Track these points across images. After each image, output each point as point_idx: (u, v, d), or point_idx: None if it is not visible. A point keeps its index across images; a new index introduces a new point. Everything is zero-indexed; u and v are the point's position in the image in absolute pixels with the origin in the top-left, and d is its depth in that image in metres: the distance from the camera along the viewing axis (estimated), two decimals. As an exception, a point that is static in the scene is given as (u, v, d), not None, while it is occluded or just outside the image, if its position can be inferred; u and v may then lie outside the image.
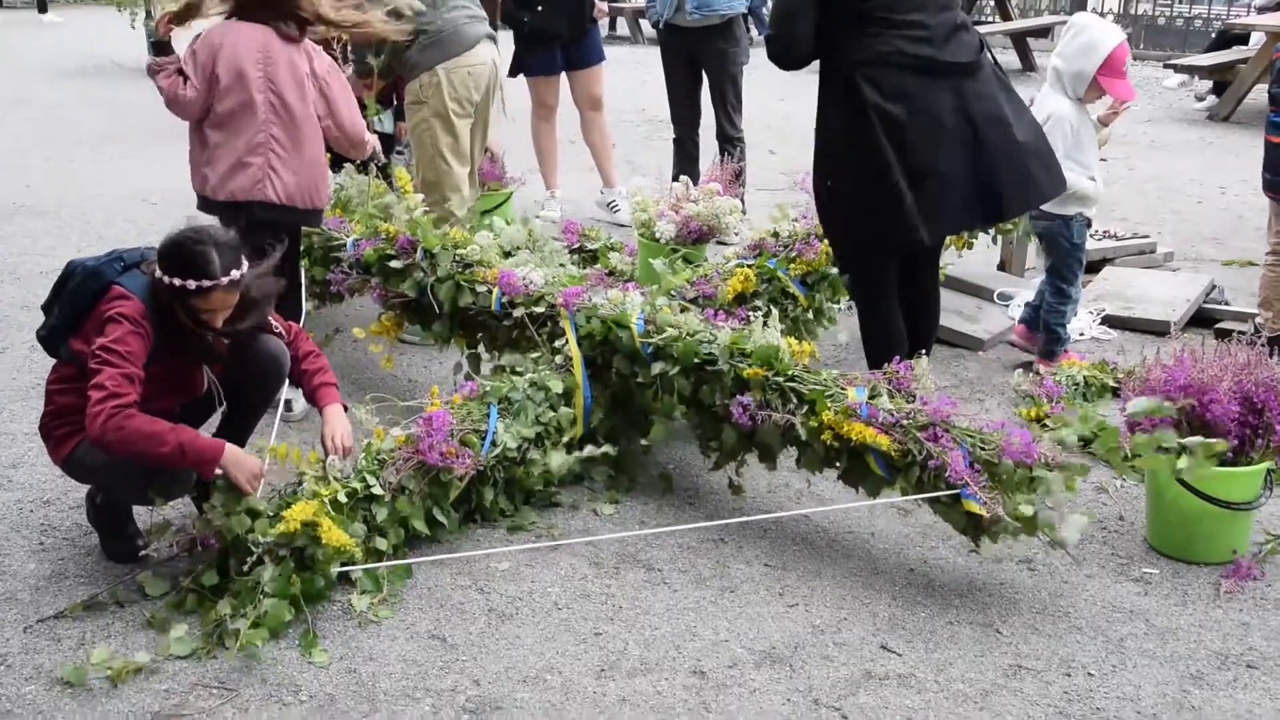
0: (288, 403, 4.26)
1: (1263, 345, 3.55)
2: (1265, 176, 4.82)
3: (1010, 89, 3.90)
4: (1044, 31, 13.69)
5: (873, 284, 4.02)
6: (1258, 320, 4.98)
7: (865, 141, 3.70)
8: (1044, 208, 4.40)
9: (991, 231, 5.15)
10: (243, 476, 3.19)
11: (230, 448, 3.20)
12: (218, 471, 3.17)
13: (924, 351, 3.77)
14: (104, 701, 2.81)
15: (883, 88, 3.65)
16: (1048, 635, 3.11)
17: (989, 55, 3.86)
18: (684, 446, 4.04)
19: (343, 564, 3.20)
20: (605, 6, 6.82)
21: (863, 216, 3.85)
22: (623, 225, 6.71)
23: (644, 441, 3.86)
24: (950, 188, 3.74)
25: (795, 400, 3.45)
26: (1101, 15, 14.34)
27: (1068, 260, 4.68)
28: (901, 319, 4.02)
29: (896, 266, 4.01)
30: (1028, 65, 12.30)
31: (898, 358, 3.58)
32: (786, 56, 3.88)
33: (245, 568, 3.15)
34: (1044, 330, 4.72)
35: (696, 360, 3.62)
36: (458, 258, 4.27)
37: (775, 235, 4.67)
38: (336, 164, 5.05)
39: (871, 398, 3.38)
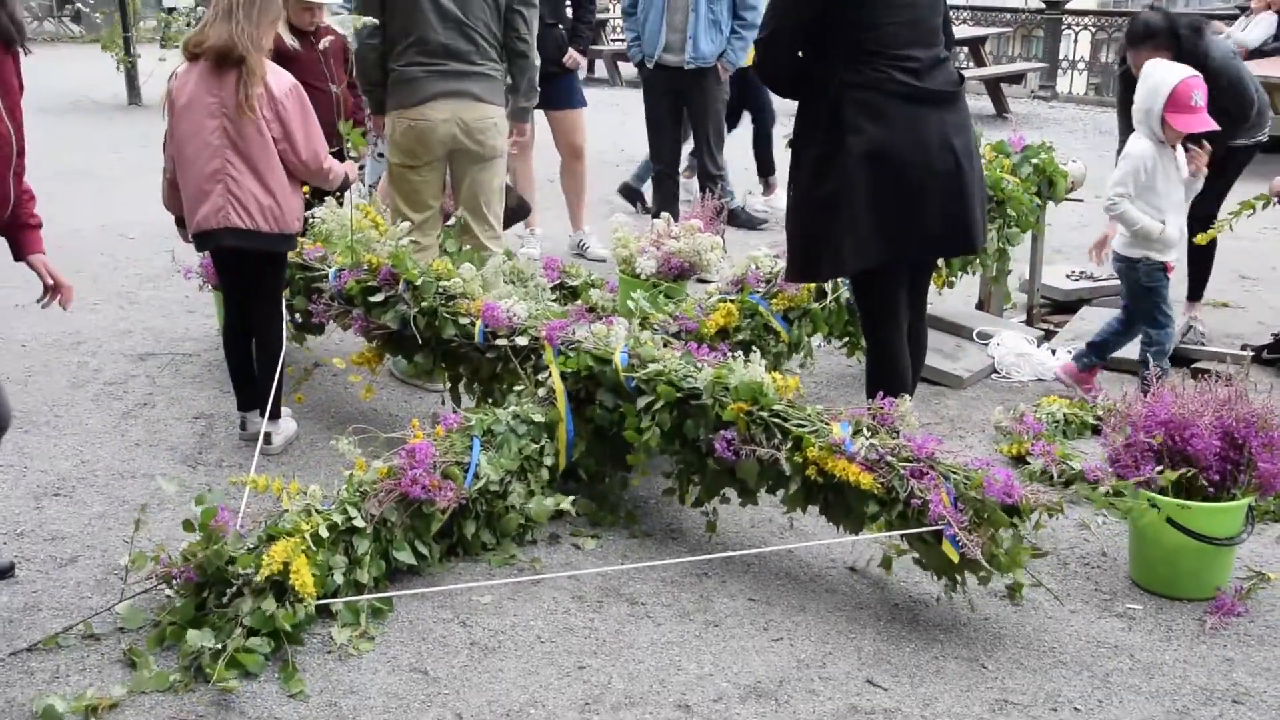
0: (267, 435, 4.23)
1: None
2: None
3: (971, 124, 3.96)
4: (1017, 78, 13.88)
5: (881, 306, 3.94)
6: None
7: (835, 164, 3.73)
8: (1115, 249, 4.58)
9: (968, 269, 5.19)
10: None
11: None
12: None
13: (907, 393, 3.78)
14: (78, 736, 2.76)
15: (870, 112, 3.69)
16: (1033, 670, 3.10)
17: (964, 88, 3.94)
18: (667, 481, 4.02)
19: (322, 597, 3.17)
20: (577, 56, 6.84)
21: (810, 232, 3.85)
22: (598, 260, 6.74)
23: (627, 476, 3.85)
24: (925, 211, 3.75)
25: (780, 435, 3.45)
26: (1072, 63, 14.68)
27: (1143, 304, 4.74)
28: (906, 349, 3.97)
29: (902, 296, 3.95)
30: (1001, 110, 12.45)
31: (883, 394, 3.57)
32: (763, 73, 4.00)
33: (224, 600, 3.11)
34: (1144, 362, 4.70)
35: (680, 394, 3.62)
36: (440, 289, 4.26)
37: (757, 267, 4.68)
38: (318, 195, 5.06)
39: (855, 434, 3.39)
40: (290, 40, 5.30)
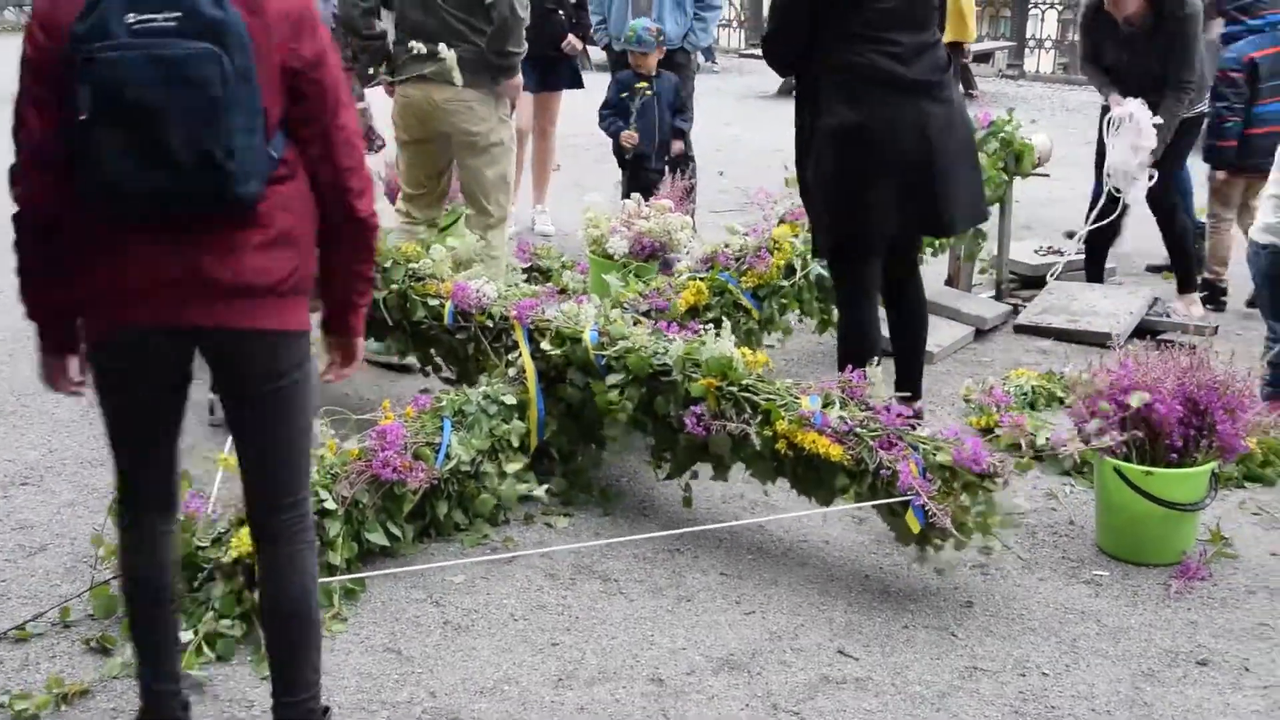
0: (210, 405, 4.17)
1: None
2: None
3: (964, 111, 4.04)
4: (985, 57, 13.92)
5: (852, 282, 4.04)
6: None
7: (824, 144, 3.84)
8: (1252, 236, 4.32)
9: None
10: None
11: None
12: None
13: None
14: (50, 721, 2.76)
15: (847, 95, 3.77)
16: (1002, 637, 3.13)
17: (954, 74, 4.02)
18: (638, 458, 4.03)
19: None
20: (576, 42, 6.88)
21: (829, 209, 3.94)
22: (544, 236, 6.82)
23: (602, 453, 3.86)
24: (894, 196, 3.82)
25: (750, 410, 3.47)
26: (1039, 43, 14.74)
27: (1263, 293, 4.44)
28: (878, 324, 4.09)
29: (879, 272, 4.04)
30: (969, 88, 12.48)
31: (853, 366, 3.61)
32: (770, 64, 4.11)
33: (195, 584, 3.11)
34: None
35: (650, 371, 3.63)
36: (410, 271, 4.25)
37: (727, 246, 4.70)
38: None
39: (825, 406, 3.41)
40: None
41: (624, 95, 6.13)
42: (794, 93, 4.02)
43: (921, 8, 3.86)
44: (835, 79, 3.78)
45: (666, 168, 5.95)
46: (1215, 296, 5.82)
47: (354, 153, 2.33)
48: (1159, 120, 5.30)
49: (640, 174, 6.60)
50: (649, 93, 6.08)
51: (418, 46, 4.81)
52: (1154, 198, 5.52)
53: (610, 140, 6.31)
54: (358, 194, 2.34)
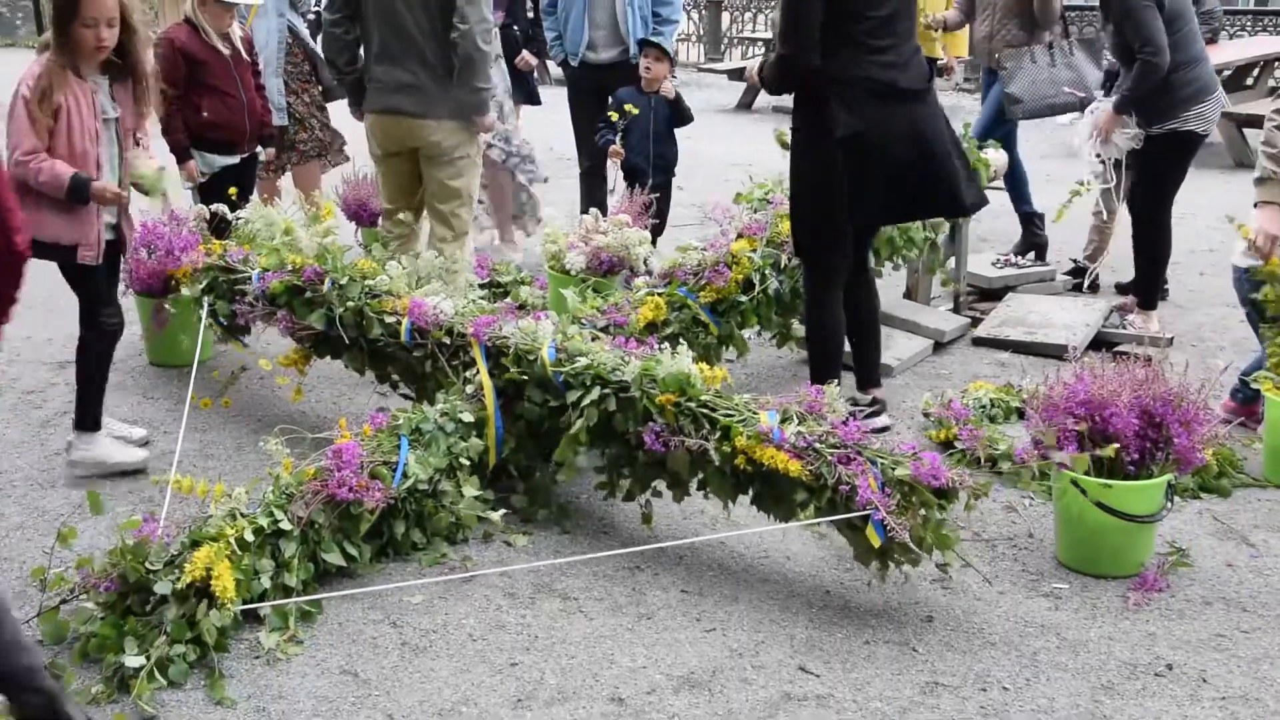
0: (69, 444, 4.18)
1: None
2: None
3: (944, 112, 4.36)
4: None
5: (825, 275, 4.34)
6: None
7: (819, 148, 4.14)
8: (1234, 261, 4.34)
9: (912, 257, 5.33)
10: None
11: None
12: None
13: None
14: (-4, 751, 2.69)
15: (850, 107, 4.05)
16: (962, 652, 3.13)
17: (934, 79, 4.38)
18: (597, 476, 4.01)
19: (247, 601, 3.12)
20: (530, 59, 6.86)
21: (819, 203, 4.25)
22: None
23: (557, 475, 3.82)
24: (892, 188, 4.15)
25: (709, 425, 3.45)
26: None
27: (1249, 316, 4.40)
28: (844, 316, 4.40)
29: (844, 267, 4.36)
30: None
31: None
32: (794, 75, 4.18)
33: (148, 609, 3.05)
34: None
35: (608, 389, 3.60)
36: (366, 288, 4.21)
37: (682, 263, 4.69)
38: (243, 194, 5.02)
39: (783, 422, 3.40)
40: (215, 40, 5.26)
41: (612, 114, 6.14)
42: (796, 104, 4.25)
43: (907, 19, 4.17)
44: (839, 92, 4.04)
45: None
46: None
47: (12, 196, 2.54)
48: (1131, 131, 5.44)
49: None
50: (634, 112, 6.10)
51: (382, 70, 4.89)
52: (1139, 212, 5.57)
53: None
54: (16, 230, 2.52)
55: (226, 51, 5.33)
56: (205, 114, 5.32)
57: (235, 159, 5.47)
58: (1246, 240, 4.22)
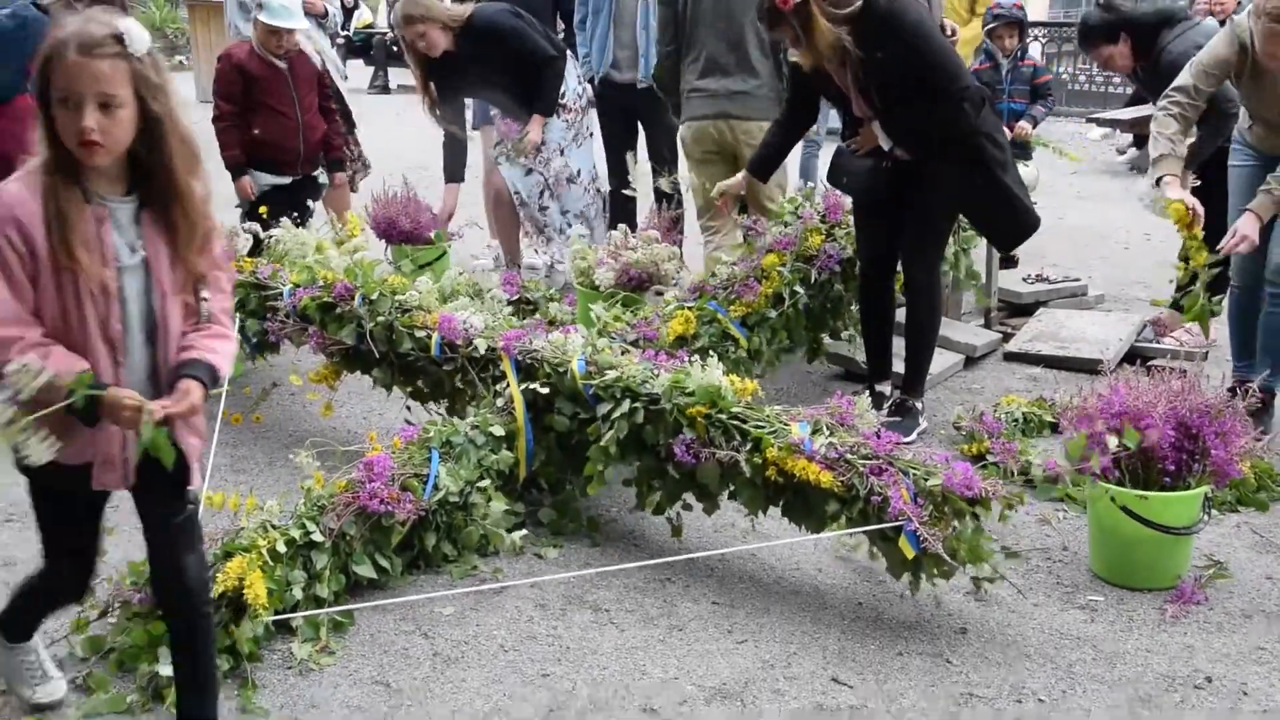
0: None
1: None
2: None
3: None
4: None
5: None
6: None
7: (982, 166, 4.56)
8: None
9: None
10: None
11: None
12: None
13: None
14: (32, 759, 2.71)
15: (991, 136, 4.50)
16: (997, 664, 3.10)
17: None
18: (627, 489, 4.00)
19: (279, 612, 3.13)
20: None
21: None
22: (533, 268, 6.84)
23: (587, 489, 3.82)
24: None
25: (739, 437, 3.44)
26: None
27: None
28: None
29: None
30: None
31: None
32: (951, 131, 4.38)
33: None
34: None
35: (638, 401, 3.60)
36: (396, 303, 4.23)
37: (714, 275, 4.69)
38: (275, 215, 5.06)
39: (814, 433, 3.39)
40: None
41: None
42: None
43: None
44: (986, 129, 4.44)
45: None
46: None
47: None
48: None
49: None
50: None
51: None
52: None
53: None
54: None
55: (286, 70, 5.37)
56: (256, 131, 5.37)
57: (285, 179, 5.51)
58: (1175, 220, 4.37)
